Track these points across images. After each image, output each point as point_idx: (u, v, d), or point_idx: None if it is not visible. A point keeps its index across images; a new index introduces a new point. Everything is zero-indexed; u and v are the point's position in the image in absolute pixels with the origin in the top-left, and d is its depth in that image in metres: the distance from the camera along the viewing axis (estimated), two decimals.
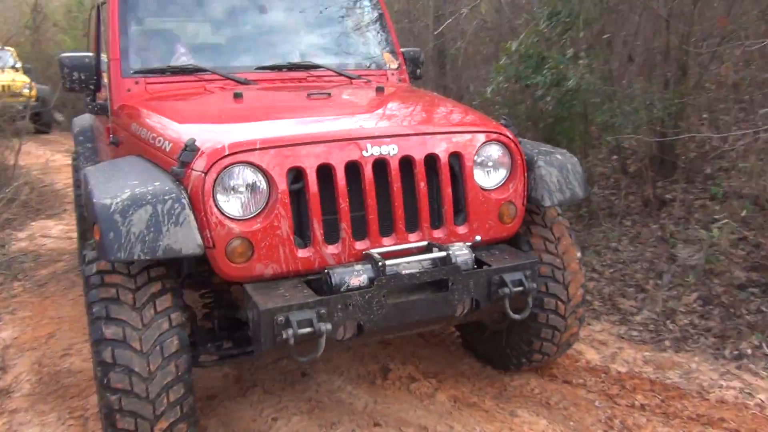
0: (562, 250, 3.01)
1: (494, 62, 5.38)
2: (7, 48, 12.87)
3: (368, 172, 2.45)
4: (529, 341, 3.12)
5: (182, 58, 3.38)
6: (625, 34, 5.32)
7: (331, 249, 2.44)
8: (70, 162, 10.88)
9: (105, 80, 3.50)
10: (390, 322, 2.41)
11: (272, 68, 3.46)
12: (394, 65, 3.81)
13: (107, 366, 2.29)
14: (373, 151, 2.45)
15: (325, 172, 2.42)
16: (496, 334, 3.32)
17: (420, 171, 2.53)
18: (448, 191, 2.60)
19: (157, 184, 2.33)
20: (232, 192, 2.32)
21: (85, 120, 4.98)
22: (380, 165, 2.48)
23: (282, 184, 2.34)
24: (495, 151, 2.73)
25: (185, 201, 2.26)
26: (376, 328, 2.41)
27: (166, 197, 2.25)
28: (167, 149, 2.56)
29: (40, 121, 14.40)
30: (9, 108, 8.97)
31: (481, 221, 2.68)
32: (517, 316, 2.60)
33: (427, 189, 2.55)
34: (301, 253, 2.40)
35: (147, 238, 2.19)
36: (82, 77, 3.41)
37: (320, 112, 2.94)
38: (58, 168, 10.28)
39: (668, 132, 4.84)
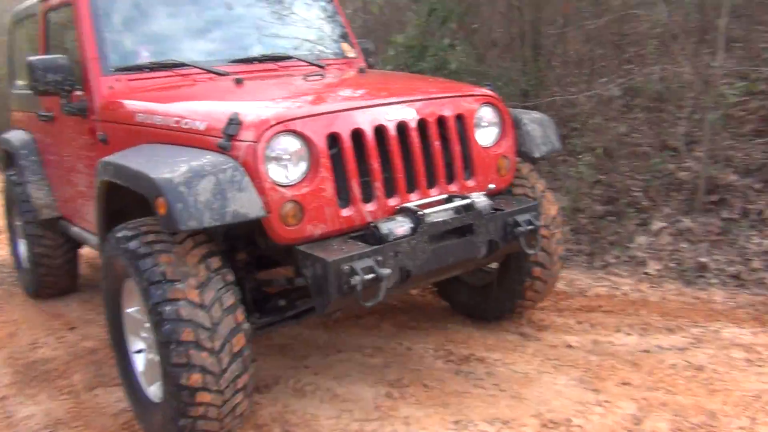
0: (540, 194, 3.38)
1: (380, 55, 6.14)
2: None
3: (392, 133, 2.72)
4: (521, 282, 3.44)
5: (146, 60, 3.47)
6: (489, 23, 6.30)
7: (368, 206, 2.69)
8: None
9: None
10: (431, 266, 2.67)
11: (245, 61, 3.61)
12: (353, 54, 4.12)
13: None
14: (395, 115, 2.75)
15: (355, 137, 2.66)
16: (481, 289, 3.72)
17: (434, 132, 2.85)
18: (457, 149, 2.93)
19: (208, 157, 2.45)
20: (279, 160, 2.51)
21: (19, 135, 4.74)
22: (400, 129, 2.76)
23: (323, 149, 2.56)
24: (489, 112, 3.10)
25: (242, 169, 2.42)
26: (421, 273, 2.66)
27: (224, 167, 2.39)
28: (200, 128, 2.68)
29: None
30: None
31: (485, 175, 3.03)
32: (531, 251, 2.97)
33: (441, 148, 2.87)
34: (344, 212, 2.63)
35: (215, 206, 2.32)
36: (58, 78, 3.33)
37: (328, 89, 3.23)
38: None
39: (532, 101, 5.84)
